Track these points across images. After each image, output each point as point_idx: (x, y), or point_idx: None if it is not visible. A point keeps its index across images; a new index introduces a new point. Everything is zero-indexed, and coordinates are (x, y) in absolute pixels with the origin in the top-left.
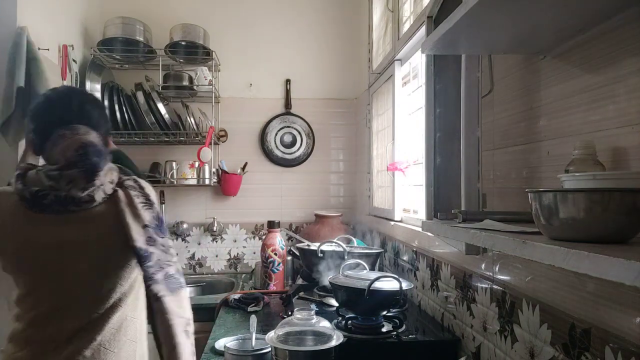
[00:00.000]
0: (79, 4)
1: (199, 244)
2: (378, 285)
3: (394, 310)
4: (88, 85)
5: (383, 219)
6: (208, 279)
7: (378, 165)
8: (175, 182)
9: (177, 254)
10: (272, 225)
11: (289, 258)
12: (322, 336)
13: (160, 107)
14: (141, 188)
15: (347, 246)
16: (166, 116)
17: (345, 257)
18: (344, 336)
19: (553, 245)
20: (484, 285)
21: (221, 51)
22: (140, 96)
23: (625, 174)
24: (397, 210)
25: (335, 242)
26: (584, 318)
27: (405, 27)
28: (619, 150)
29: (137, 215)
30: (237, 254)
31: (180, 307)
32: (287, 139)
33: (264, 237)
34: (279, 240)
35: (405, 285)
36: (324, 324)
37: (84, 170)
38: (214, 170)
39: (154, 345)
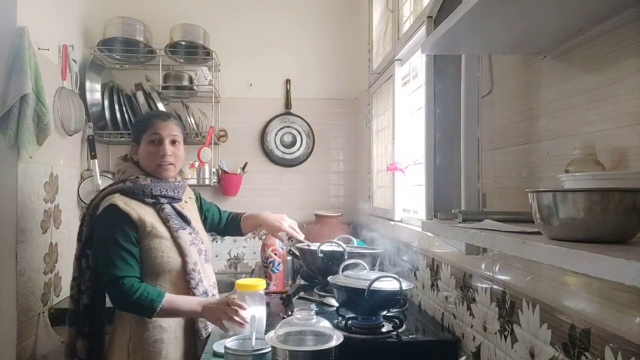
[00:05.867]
0: (79, 4)
1: None
2: (378, 285)
3: (394, 310)
4: (88, 85)
5: (383, 218)
6: None
7: (378, 165)
8: None
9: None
10: None
11: (289, 258)
12: (322, 336)
13: (160, 107)
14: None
15: (347, 246)
16: None
17: (345, 257)
18: (344, 336)
19: (553, 245)
20: (484, 285)
21: (221, 51)
22: (140, 96)
23: (625, 174)
24: (397, 210)
25: (335, 242)
26: (584, 318)
27: (405, 27)
28: (619, 150)
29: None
30: (237, 254)
31: None
32: (287, 139)
33: (264, 237)
34: (279, 240)
35: (405, 285)
36: (324, 324)
37: None
38: (214, 170)
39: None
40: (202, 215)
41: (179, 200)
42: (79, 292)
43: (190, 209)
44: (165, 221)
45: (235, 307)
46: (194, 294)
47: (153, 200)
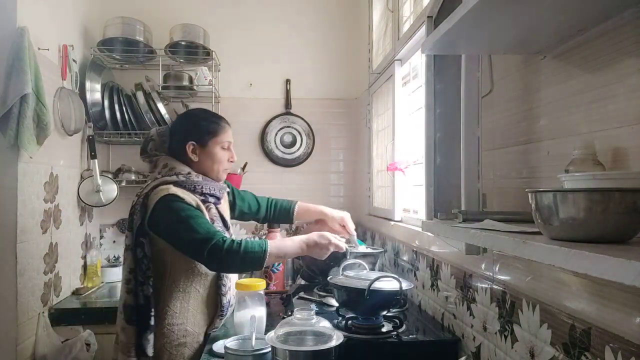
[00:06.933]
0: (79, 4)
1: None
2: (378, 285)
3: (394, 310)
4: (88, 85)
5: (383, 219)
6: None
7: (378, 165)
8: None
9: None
10: (272, 225)
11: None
12: (322, 336)
13: (160, 107)
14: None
15: (347, 246)
16: (166, 116)
17: (346, 257)
18: (344, 336)
19: (553, 245)
20: (484, 285)
21: (221, 51)
22: (140, 96)
23: (625, 174)
24: (397, 210)
25: None
26: (584, 318)
27: (405, 27)
28: (619, 150)
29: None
30: None
31: None
32: (287, 139)
33: (264, 237)
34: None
35: (405, 285)
36: (324, 324)
37: None
38: None
39: None
40: (236, 207)
41: (220, 202)
42: (136, 285)
43: (226, 210)
44: (211, 222)
45: (336, 244)
46: (221, 302)
47: (202, 198)
